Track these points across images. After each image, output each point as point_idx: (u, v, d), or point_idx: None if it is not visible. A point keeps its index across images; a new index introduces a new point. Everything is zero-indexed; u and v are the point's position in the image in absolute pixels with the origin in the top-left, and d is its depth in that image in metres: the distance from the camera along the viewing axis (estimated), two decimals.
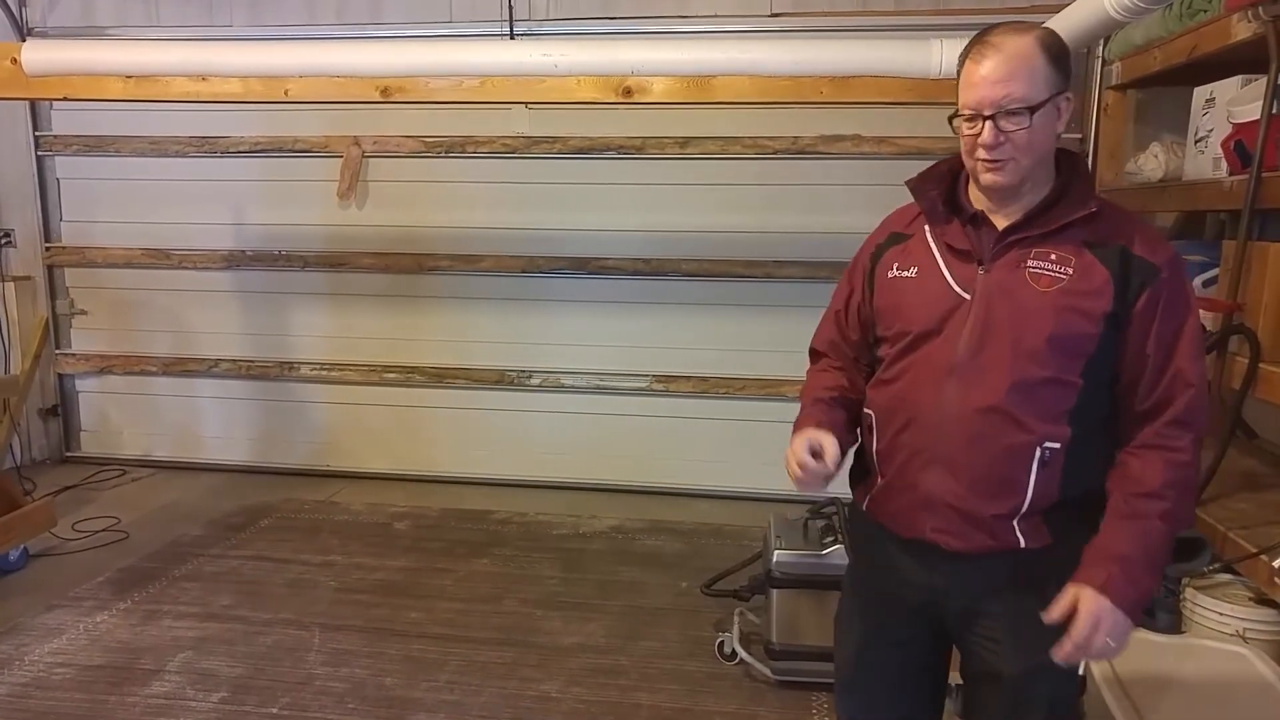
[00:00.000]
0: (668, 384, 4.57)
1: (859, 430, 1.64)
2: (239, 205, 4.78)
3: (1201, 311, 2.85)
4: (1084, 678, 1.56)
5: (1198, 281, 3.03)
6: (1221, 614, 2.56)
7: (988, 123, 1.39)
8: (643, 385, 4.59)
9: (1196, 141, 2.93)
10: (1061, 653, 1.38)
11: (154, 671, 2.86)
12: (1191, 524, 1.44)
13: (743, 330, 4.48)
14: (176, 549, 3.84)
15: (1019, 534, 1.47)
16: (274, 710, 2.65)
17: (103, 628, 3.15)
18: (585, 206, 4.51)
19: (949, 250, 1.51)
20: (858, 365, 1.67)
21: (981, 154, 1.42)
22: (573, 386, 4.66)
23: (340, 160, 4.60)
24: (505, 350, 4.69)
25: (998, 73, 1.38)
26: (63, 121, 4.83)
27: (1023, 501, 1.45)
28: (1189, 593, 2.67)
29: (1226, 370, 2.69)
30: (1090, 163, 4.01)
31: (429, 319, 4.76)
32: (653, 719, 2.64)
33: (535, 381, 4.68)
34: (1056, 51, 1.41)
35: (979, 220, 1.50)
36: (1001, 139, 1.39)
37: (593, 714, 2.66)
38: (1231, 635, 2.51)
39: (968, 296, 1.47)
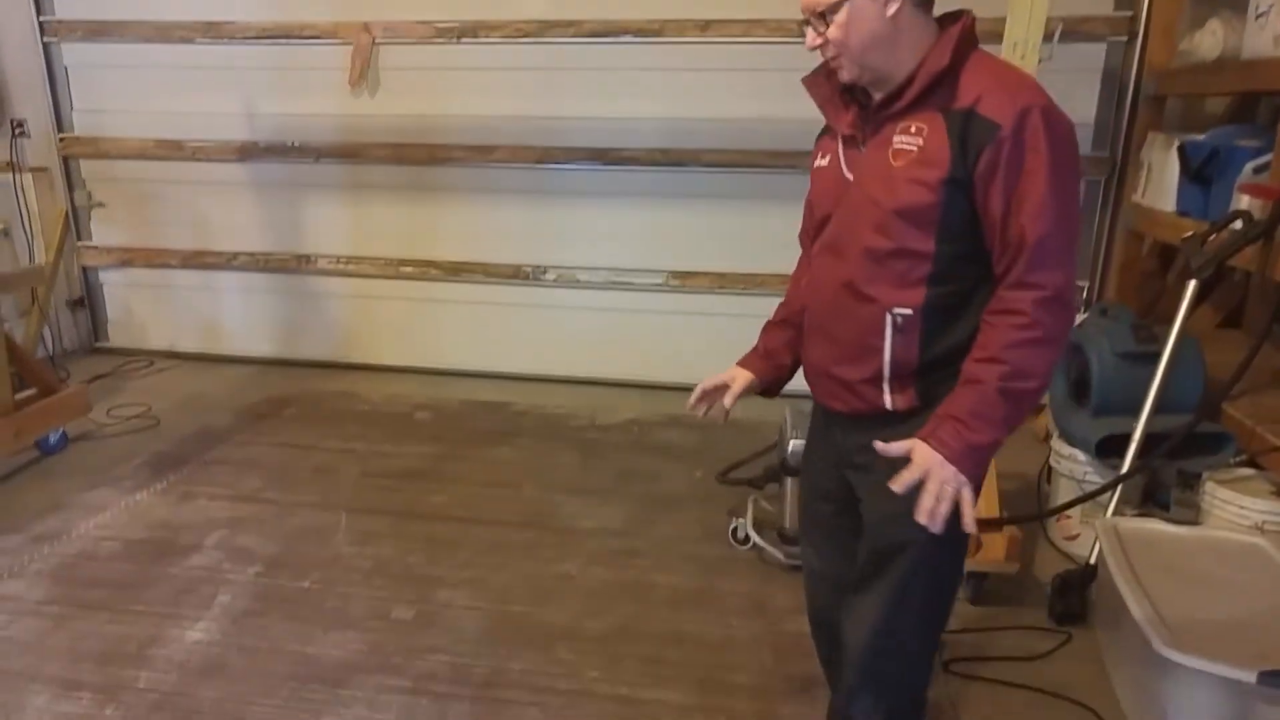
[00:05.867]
0: (684, 280, 4.56)
1: None
2: (249, 95, 4.70)
3: (1248, 200, 2.80)
4: (964, 543, 1.61)
5: (1249, 168, 2.95)
6: (1242, 507, 2.59)
7: (807, 27, 1.48)
8: (659, 281, 4.58)
9: (1257, 17, 2.81)
10: (897, 483, 1.44)
11: (193, 546, 2.99)
12: (1041, 382, 1.43)
13: (762, 223, 4.42)
14: (206, 436, 3.96)
15: (886, 397, 1.55)
16: (305, 584, 2.77)
17: (142, 506, 3.28)
18: (602, 94, 4.41)
19: (844, 138, 1.58)
20: None
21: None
22: (588, 282, 4.65)
23: (350, 48, 4.49)
24: (521, 245, 4.68)
25: None
26: (66, 6, 4.72)
27: (881, 366, 1.54)
28: (1209, 486, 2.70)
29: (1273, 260, 2.64)
30: (1140, 42, 3.88)
31: (444, 212, 4.73)
32: (669, 598, 2.74)
33: (551, 277, 4.68)
34: None
35: (867, 104, 1.55)
36: (819, 40, 1.47)
37: (611, 592, 2.77)
38: (1250, 528, 2.54)
39: (851, 178, 1.55)
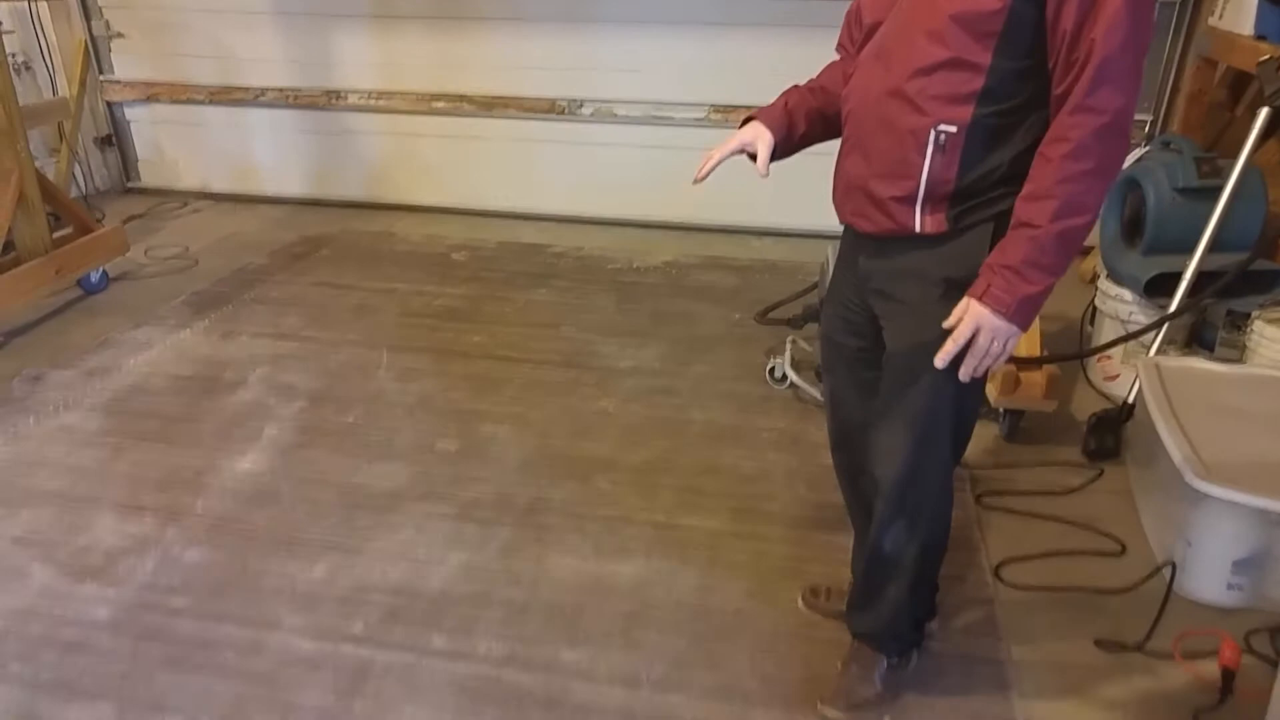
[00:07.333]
0: (726, 115, 4.37)
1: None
2: None
3: None
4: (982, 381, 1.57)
5: None
6: None
7: None
8: (700, 116, 4.40)
9: None
10: (941, 355, 1.43)
11: (238, 382, 3.06)
12: (1092, 217, 1.37)
13: (809, 54, 4.12)
14: (244, 275, 3.99)
15: (917, 218, 1.49)
16: (349, 419, 2.84)
17: (187, 343, 3.35)
18: None
19: None
20: None
21: None
22: (626, 117, 4.49)
23: None
24: (555, 77, 4.49)
25: None
26: None
27: (917, 185, 1.46)
28: (1256, 325, 2.64)
29: None
30: None
31: (475, 43, 4.53)
32: (705, 433, 2.78)
33: (587, 111, 4.51)
34: None
35: None
36: None
37: (648, 428, 2.81)
38: None
39: None
